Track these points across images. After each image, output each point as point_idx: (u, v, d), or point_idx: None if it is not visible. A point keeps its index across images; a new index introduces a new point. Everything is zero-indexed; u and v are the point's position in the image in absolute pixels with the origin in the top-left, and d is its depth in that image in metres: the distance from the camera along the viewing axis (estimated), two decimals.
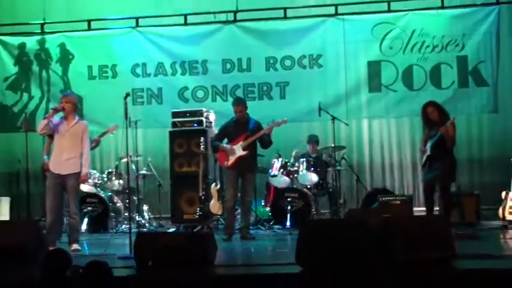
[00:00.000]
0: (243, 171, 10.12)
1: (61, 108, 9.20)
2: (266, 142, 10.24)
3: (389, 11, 12.47)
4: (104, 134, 10.87)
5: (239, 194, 10.30)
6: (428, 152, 9.49)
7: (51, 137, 9.58)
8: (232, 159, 10.04)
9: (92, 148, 10.22)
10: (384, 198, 10.62)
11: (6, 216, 11.21)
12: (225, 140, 10.36)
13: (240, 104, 10.35)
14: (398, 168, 12.47)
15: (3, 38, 13.52)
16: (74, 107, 9.35)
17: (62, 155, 9.16)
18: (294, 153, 11.46)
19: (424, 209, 9.72)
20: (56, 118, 9.21)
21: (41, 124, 9.41)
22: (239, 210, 10.53)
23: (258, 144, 10.37)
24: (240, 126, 10.26)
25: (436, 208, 9.63)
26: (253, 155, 10.30)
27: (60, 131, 9.17)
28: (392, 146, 12.59)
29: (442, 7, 12.31)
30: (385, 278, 6.29)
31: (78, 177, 9.21)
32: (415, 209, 10.23)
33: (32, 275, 6.12)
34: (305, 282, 6.49)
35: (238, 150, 10.03)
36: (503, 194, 10.25)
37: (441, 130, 9.32)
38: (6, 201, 11.51)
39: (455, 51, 12.29)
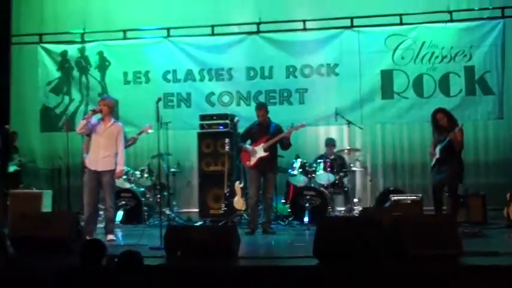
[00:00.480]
0: (264, 171, 10.14)
1: (99, 110, 9.32)
2: (285, 145, 10.28)
3: (401, 23, 12.44)
4: (140, 133, 10.93)
5: (261, 192, 10.30)
6: (437, 155, 9.48)
7: (89, 136, 9.67)
8: (254, 160, 10.07)
9: (129, 145, 10.34)
10: (395, 198, 10.57)
11: (48, 208, 11.20)
12: (248, 142, 10.37)
13: (262, 108, 10.39)
14: (409, 169, 12.40)
15: (47, 45, 13.59)
16: (111, 109, 9.45)
17: (98, 153, 9.26)
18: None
19: (433, 208, 9.66)
20: (94, 119, 9.31)
21: (80, 124, 9.52)
22: (261, 207, 10.50)
23: (278, 146, 10.36)
24: (262, 129, 10.29)
25: (444, 208, 9.59)
26: (274, 156, 10.30)
27: (97, 131, 9.28)
28: (403, 149, 12.51)
29: (451, 20, 12.26)
30: (395, 272, 6.34)
31: (113, 174, 9.30)
32: (424, 208, 10.17)
33: (70, 263, 6.12)
34: (321, 274, 6.54)
35: (260, 152, 10.06)
36: (508, 195, 10.23)
37: (450, 135, 9.31)
38: (48, 195, 11.46)
39: (463, 62, 12.25)
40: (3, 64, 13.23)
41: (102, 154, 9.24)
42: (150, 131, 10.78)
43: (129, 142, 10.34)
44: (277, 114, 11.30)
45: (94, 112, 9.36)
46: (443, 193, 9.56)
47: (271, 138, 10.08)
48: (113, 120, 9.46)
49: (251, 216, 10.24)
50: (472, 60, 12.21)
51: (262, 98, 12.67)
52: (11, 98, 13.27)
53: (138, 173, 11.94)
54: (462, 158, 9.63)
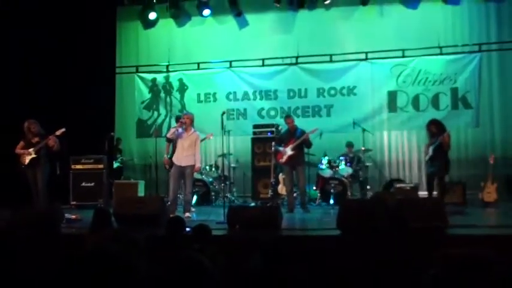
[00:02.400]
0: (294, 165, 10.00)
1: (184, 122, 9.40)
2: (307, 145, 10.19)
3: (403, 56, 12.41)
4: (204, 139, 11.00)
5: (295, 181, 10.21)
6: (430, 154, 9.44)
7: (169, 142, 9.84)
8: (285, 158, 9.96)
9: None
10: (398, 185, 10.61)
11: (142, 193, 11.25)
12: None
13: (289, 118, 10.42)
14: (408, 165, 12.31)
15: (141, 74, 13.73)
16: (191, 121, 9.48)
17: (182, 153, 9.31)
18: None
19: (426, 193, 9.66)
20: (180, 130, 9.38)
21: (170, 131, 9.67)
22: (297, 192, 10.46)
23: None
24: (290, 133, 10.22)
25: (435, 192, 9.58)
26: (300, 154, 10.13)
27: (182, 137, 9.33)
28: (404, 149, 12.41)
29: (441, 54, 12.23)
30: (398, 239, 6.38)
31: (193, 168, 9.34)
32: (419, 192, 10.18)
33: (159, 233, 6.23)
34: (343, 241, 6.69)
35: (289, 151, 9.93)
36: (482, 183, 10.18)
37: (439, 139, 9.30)
38: (142, 184, 11.51)
39: (449, 84, 12.21)
40: (110, 88, 13.52)
41: (185, 154, 9.30)
42: (211, 137, 10.88)
43: None
44: (310, 124, 11.29)
45: (181, 124, 9.46)
46: (434, 181, 9.54)
47: (296, 141, 10.05)
48: (193, 129, 9.49)
49: (288, 199, 10.13)
50: (456, 83, 12.17)
51: (299, 113, 12.71)
52: (115, 113, 13.54)
53: (208, 167, 11.92)
54: (449, 156, 9.61)
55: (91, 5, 12.01)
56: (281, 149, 10.12)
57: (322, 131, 10.98)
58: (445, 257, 2.75)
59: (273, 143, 10.67)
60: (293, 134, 10.18)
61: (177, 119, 10.02)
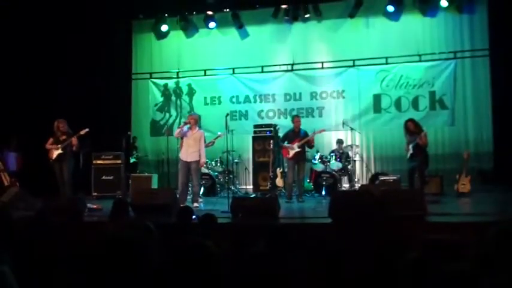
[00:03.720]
0: (298, 160, 10.05)
1: (188, 122, 9.36)
2: (310, 146, 10.25)
3: (386, 63, 12.41)
4: (216, 138, 11.00)
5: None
6: (410, 151, 9.43)
7: (182, 139, 9.87)
8: (292, 153, 9.97)
9: (208, 146, 10.36)
10: (382, 178, 10.58)
11: (155, 185, 11.23)
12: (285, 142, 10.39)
13: (297, 117, 10.44)
14: (392, 160, 12.19)
15: (154, 80, 13.72)
16: (196, 121, 9.39)
17: (188, 150, 9.20)
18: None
19: (407, 184, 9.64)
20: (185, 128, 9.34)
21: (176, 131, 9.55)
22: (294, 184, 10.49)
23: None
24: (294, 132, 10.22)
25: (415, 184, 9.57)
26: (304, 151, 10.20)
27: (187, 136, 9.25)
28: (387, 146, 12.35)
29: (420, 61, 12.23)
30: (383, 226, 6.37)
31: (198, 163, 9.25)
32: (402, 184, 10.18)
33: (171, 221, 6.29)
34: (334, 229, 6.66)
35: (295, 148, 9.98)
36: (457, 176, 10.16)
37: (417, 140, 9.31)
38: (155, 177, 11.55)
39: (427, 88, 12.20)
40: (127, 93, 13.58)
41: (190, 150, 9.19)
42: (222, 136, 10.83)
43: (208, 144, 10.40)
44: (304, 124, 11.25)
45: (185, 123, 9.43)
46: (415, 175, 9.53)
47: (302, 140, 10.09)
48: (197, 128, 9.40)
49: (288, 191, 10.08)
50: (434, 87, 12.16)
51: (294, 113, 12.62)
52: (132, 115, 13.63)
53: (213, 162, 11.80)
54: (427, 152, 9.61)
55: (110, 19, 12.08)
56: (288, 145, 10.07)
57: (314, 130, 10.94)
58: (425, 242, 2.77)
59: (278, 140, 10.63)
60: (298, 133, 10.18)
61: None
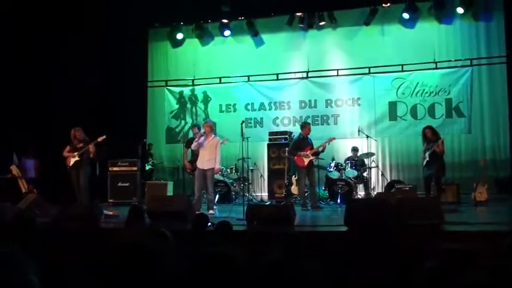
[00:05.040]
0: (310, 168, 10.03)
1: (203, 133, 9.44)
2: (322, 151, 10.36)
3: (402, 71, 12.37)
4: (221, 143, 11.00)
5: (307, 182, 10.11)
6: (427, 158, 9.40)
7: (187, 147, 9.88)
8: (306, 161, 9.90)
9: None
10: (398, 186, 10.54)
11: (171, 193, 11.22)
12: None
13: (309, 125, 10.41)
14: (408, 167, 12.23)
15: (170, 88, 13.79)
16: (211, 129, 9.52)
17: (204, 157, 9.29)
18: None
19: (424, 193, 9.59)
20: (202, 138, 9.36)
21: (193, 144, 9.50)
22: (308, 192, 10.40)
23: None
24: (305, 140, 10.17)
25: (431, 192, 9.52)
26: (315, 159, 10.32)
27: (203, 145, 9.33)
28: (403, 154, 12.32)
29: (436, 68, 12.17)
30: (399, 235, 6.34)
31: (213, 170, 9.33)
32: (418, 192, 10.11)
33: (186, 228, 6.30)
34: (350, 236, 6.66)
35: (311, 156, 9.97)
36: (474, 184, 10.06)
37: (434, 147, 9.28)
38: (170, 184, 11.52)
39: (444, 95, 12.13)
40: (143, 100, 13.69)
41: (206, 158, 9.27)
42: (226, 142, 10.62)
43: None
44: (319, 131, 11.39)
45: (200, 135, 9.49)
46: (431, 183, 9.48)
47: (311, 148, 10.05)
48: (213, 135, 9.50)
49: (303, 198, 10.03)
50: (450, 94, 12.09)
51: (309, 121, 12.45)
52: (147, 122, 13.71)
53: (228, 170, 11.80)
54: (444, 159, 9.57)
55: (127, 28, 12.20)
56: (303, 153, 9.97)
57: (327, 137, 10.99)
58: (441, 251, 2.75)
59: (290, 150, 10.46)
60: (307, 142, 10.18)
61: (192, 127, 10.06)
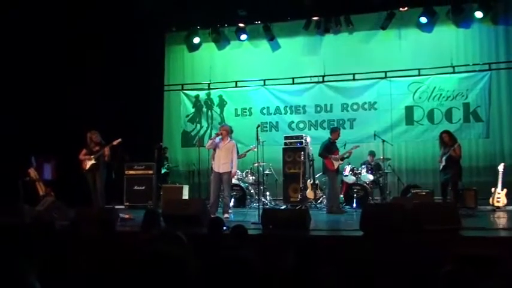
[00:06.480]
0: (338, 173, 10.40)
1: (220, 134, 9.50)
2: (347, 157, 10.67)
3: (419, 75, 12.32)
4: (248, 150, 11.09)
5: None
6: (443, 163, 9.37)
7: (214, 150, 9.92)
8: (337, 165, 10.20)
9: (240, 157, 10.45)
10: (414, 191, 10.47)
11: (186, 196, 11.33)
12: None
13: (339, 130, 10.71)
14: (424, 172, 12.16)
15: (186, 92, 13.89)
16: (227, 132, 9.53)
17: (220, 161, 9.36)
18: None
19: (440, 197, 9.55)
20: (217, 139, 9.47)
21: (208, 142, 9.71)
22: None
23: None
24: (334, 145, 10.42)
25: (448, 197, 9.45)
26: None
27: (219, 147, 9.40)
28: (420, 158, 12.27)
29: (453, 72, 12.11)
30: (416, 240, 6.28)
31: (230, 174, 9.37)
32: (434, 197, 10.04)
33: (201, 231, 6.30)
34: (365, 241, 6.58)
35: (340, 161, 10.28)
36: (493, 189, 9.99)
37: (451, 151, 9.24)
38: (186, 188, 11.55)
39: (461, 100, 12.06)
40: (159, 104, 13.75)
41: (222, 161, 9.32)
42: (254, 150, 10.74)
43: (240, 156, 10.45)
44: None
45: (217, 135, 9.56)
46: (448, 188, 9.41)
47: (339, 152, 10.33)
48: (229, 139, 9.51)
49: (331, 202, 10.22)
50: (467, 98, 12.02)
51: (325, 125, 12.71)
52: (163, 126, 13.78)
53: (244, 173, 11.86)
54: (461, 164, 9.51)
55: (144, 32, 12.29)
56: (333, 157, 10.24)
57: (346, 142, 10.97)
58: (458, 256, 2.74)
59: (324, 152, 10.46)
60: (336, 146, 10.45)
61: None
